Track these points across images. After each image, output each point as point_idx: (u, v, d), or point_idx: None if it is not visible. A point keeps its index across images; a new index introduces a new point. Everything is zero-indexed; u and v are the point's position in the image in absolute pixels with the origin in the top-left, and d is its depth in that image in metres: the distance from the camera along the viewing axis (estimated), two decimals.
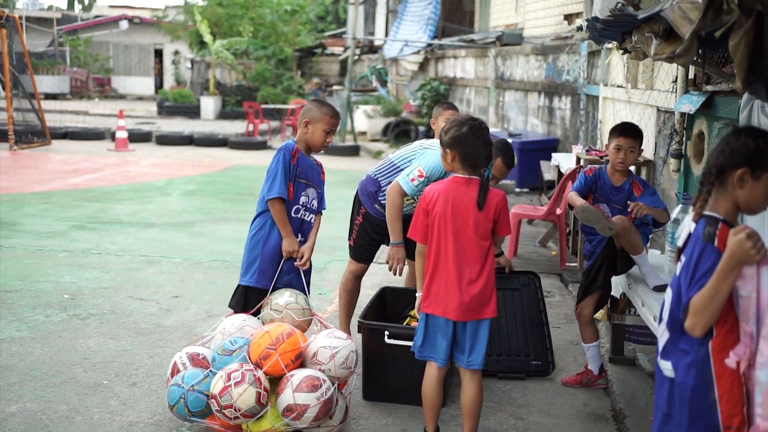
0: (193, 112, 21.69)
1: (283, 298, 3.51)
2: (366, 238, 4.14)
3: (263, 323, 3.47)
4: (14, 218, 7.69)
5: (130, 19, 33.15)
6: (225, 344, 3.35)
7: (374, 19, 25.49)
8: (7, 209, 8.13)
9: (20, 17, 17.77)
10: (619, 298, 4.00)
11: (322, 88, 24.27)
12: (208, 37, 22.42)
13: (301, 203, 3.66)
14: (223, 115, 21.52)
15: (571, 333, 4.73)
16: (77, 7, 50.41)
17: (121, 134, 14.17)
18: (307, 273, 3.73)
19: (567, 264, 6.18)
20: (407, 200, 3.87)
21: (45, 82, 27.75)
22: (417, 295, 3.11)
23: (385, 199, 3.94)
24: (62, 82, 29.38)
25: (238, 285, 3.74)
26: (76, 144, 14.88)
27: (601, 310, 4.16)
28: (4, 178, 10.31)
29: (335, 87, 21.88)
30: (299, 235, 3.67)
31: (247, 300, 3.66)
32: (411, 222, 3.08)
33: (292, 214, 3.63)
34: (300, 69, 27.54)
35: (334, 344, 3.28)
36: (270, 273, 3.61)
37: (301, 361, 3.26)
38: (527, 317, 4.18)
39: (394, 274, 3.89)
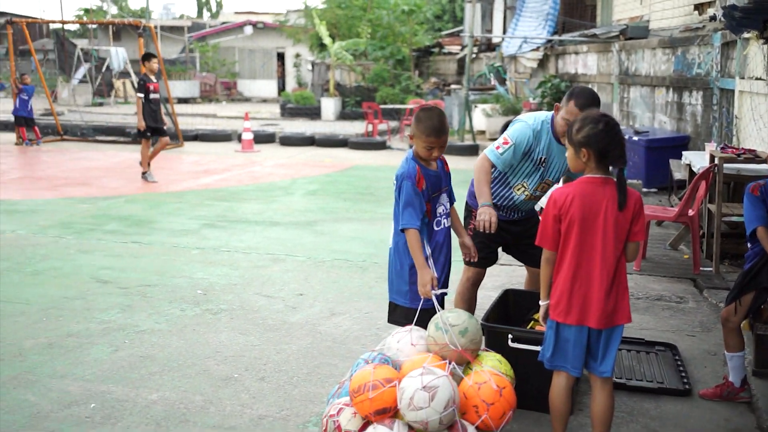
0: (314, 113, 22.25)
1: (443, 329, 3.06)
2: (480, 241, 3.90)
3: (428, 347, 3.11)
4: (152, 216, 8.15)
5: (254, 25, 34.42)
6: (363, 357, 3.20)
7: (492, 16, 25.21)
8: (145, 208, 8.64)
9: (155, 27, 18.82)
10: (762, 306, 3.75)
11: (439, 87, 24.27)
12: (327, 40, 22.93)
13: (439, 213, 3.49)
14: (343, 115, 21.94)
15: (707, 342, 4.49)
16: (206, 14, 52.76)
17: (247, 136, 14.74)
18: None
19: (701, 268, 5.87)
20: (519, 190, 3.85)
21: (177, 87, 29.30)
22: (541, 303, 3.03)
23: (496, 200, 3.89)
24: (193, 86, 30.91)
25: (396, 305, 3.50)
26: (205, 145, 15.61)
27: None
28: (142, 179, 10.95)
29: (453, 86, 21.80)
30: (443, 244, 3.50)
31: (408, 321, 3.40)
32: (539, 228, 3.00)
33: (435, 228, 3.44)
34: (417, 69, 27.65)
35: (432, 383, 2.77)
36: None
37: (389, 413, 2.87)
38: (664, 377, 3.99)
39: (483, 231, 3.59)
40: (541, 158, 3.87)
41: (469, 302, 4.14)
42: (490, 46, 23.58)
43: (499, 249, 4.28)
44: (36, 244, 6.77)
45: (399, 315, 3.46)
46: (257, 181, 10.90)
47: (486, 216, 3.59)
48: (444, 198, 3.50)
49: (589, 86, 14.31)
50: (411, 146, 3.49)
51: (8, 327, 4.65)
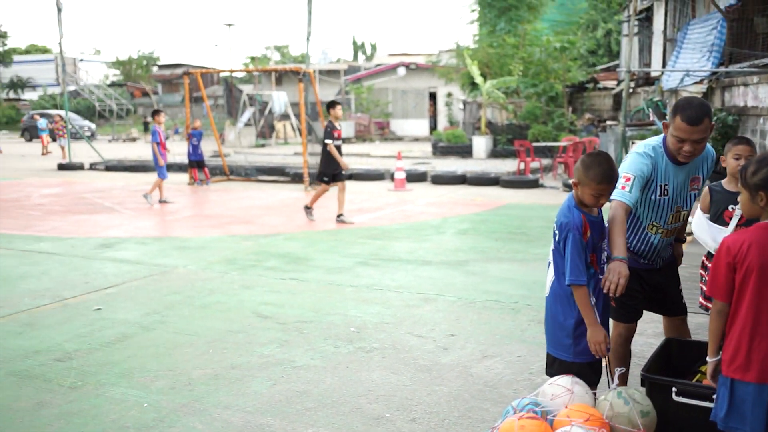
0: (466, 151, 22.36)
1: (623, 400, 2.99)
2: (628, 291, 3.53)
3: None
4: (309, 254, 8.48)
5: (407, 66, 35.30)
6: (513, 404, 3.14)
7: (650, 49, 24.31)
8: (303, 245, 9.01)
9: (314, 71, 19.78)
10: None
11: (594, 123, 23.63)
12: (479, 79, 23.07)
13: (602, 261, 3.39)
14: (494, 153, 21.88)
15: None
16: (360, 57, 54.62)
17: (400, 175, 15.05)
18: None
19: None
20: (653, 229, 3.64)
21: None
22: (710, 360, 2.84)
23: (634, 248, 3.69)
24: (348, 127, 32.07)
25: (555, 358, 3.41)
26: (359, 184, 16.09)
27: None
28: (300, 217, 11.44)
29: (609, 122, 21.15)
30: (606, 295, 3.37)
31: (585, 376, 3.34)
32: (709, 278, 2.82)
33: (600, 276, 3.33)
34: (571, 105, 27.11)
35: None
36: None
37: None
38: None
39: (612, 294, 3.28)
40: (662, 186, 3.63)
41: (623, 359, 3.87)
42: (648, 80, 22.72)
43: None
44: (204, 279, 7.23)
45: (558, 368, 3.36)
46: (409, 219, 11.07)
47: (614, 276, 3.25)
48: (606, 244, 3.39)
49: (761, 120, 13.42)
50: (569, 192, 3.42)
51: (179, 357, 4.98)
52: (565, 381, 3.13)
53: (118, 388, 4.44)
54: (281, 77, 37.08)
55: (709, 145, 3.71)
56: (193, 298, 6.51)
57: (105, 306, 6.26)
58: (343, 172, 10.89)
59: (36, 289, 6.88)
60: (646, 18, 23.03)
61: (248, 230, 10.24)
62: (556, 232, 3.32)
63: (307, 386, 4.45)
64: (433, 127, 34.72)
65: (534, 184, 14.89)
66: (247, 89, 37.47)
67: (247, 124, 31.83)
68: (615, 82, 26.53)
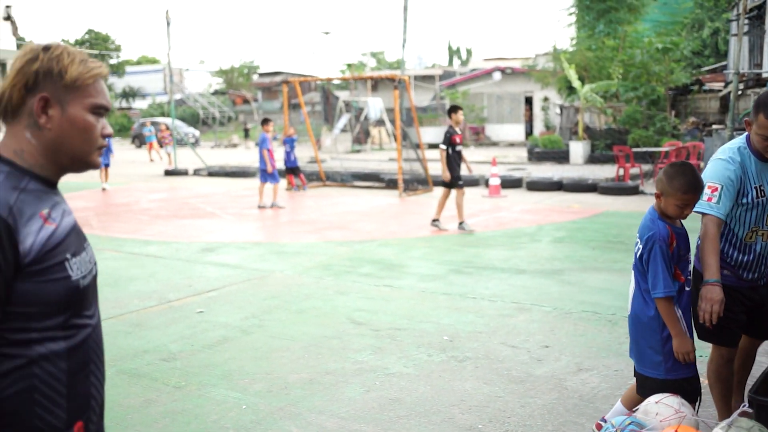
0: (562, 157, 21.94)
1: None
2: (727, 314, 3.35)
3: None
4: (402, 261, 8.55)
5: (503, 70, 34.97)
6: (614, 421, 3.04)
7: (761, 49, 23.13)
8: (396, 252, 9.09)
9: (409, 77, 19.91)
10: None
11: (698, 127, 22.71)
12: (576, 83, 22.59)
13: (689, 271, 3.30)
14: (592, 159, 21.38)
15: None
16: (455, 62, 54.47)
17: (494, 181, 14.93)
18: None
19: None
20: (753, 237, 3.38)
21: (428, 133, 30.55)
22: None
23: (735, 262, 3.45)
24: (442, 132, 32.05)
25: (646, 377, 3.31)
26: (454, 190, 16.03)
27: None
28: (395, 223, 11.54)
29: (714, 126, 20.27)
30: (689, 307, 3.29)
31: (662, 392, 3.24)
32: None
33: (687, 288, 3.25)
34: (674, 108, 26.15)
35: None
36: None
37: None
38: None
39: (708, 324, 3.18)
40: (757, 187, 3.37)
41: (726, 381, 3.59)
42: (759, 82, 21.62)
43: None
44: (300, 284, 7.41)
45: (651, 387, 3.25)
46: (504, 226, 10.96)
47: (708, 305, 3.14)
48: (691, 256, 3.29)
49: None
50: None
51: (276, 361, 5.12)
52: (672, 401, 3.02)
53: (218, 389, 4.61)
54: (377, 83, 37.47)
55: None
56: (289, 303, 6.68)
57: (207, 309, 6.51)
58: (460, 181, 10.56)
59: (144, 291, 7.24)
60: (757, 16, 21.95)
61: (343, 236, 10.42)
62: (640, 246, 3.25)
63: (400, 394, 4.49)
64: (529, 132, 34.23)
65: (633, 191, 14.45)
66: (343, 96, 38.11)
67: (343, 130, 32.35)
68: (722, 84, 25.40)
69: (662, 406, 3.10)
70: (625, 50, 24.15)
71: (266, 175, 13.42)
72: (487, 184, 15.47)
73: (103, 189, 16.95)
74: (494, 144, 33.53)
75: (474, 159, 23.20)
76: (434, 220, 10.70)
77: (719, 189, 3.31)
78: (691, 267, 3.31)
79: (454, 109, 10.49)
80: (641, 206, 12.50)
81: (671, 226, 3.20)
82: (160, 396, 4.52)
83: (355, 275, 7.81)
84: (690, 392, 3.22)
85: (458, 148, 10.44)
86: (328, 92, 35.64)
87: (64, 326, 1.57)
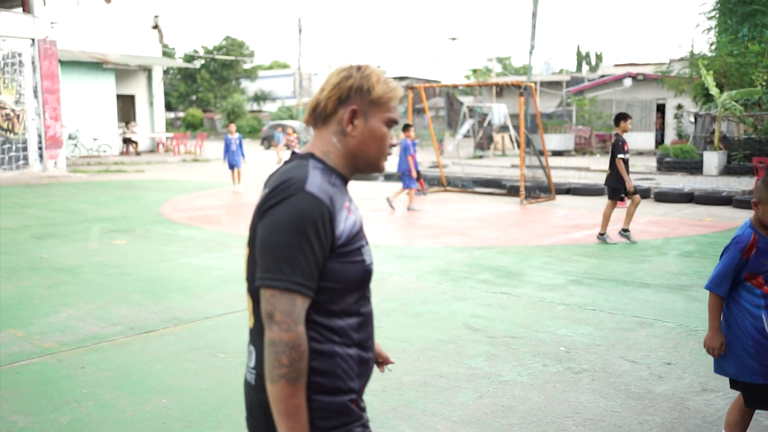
0: (695, 167, 20.95)
1: None
2: None
3: None
4: (521, 269, 8.47)
5: (634, 77, 33.76)
6: None
7: None
8: (515, 260, 9.02)
9: (535, 83, 19.65)
10: None
11: None
12: (714, 90, 21.50)
13: None
14: (728, 170, 20.28)
15: None
16: (584, 67, 53.11)
17: None
18: None
19: None
20: None
21: (553, 140, 30.00)
22: None
23: None
24: (567, 139, 31.36)
25: (738, 383, 3.38)
26: (577, 199, 15.71)
27: None
28: (515, 231, 11.44)
29: None
30: None
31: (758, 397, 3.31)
32: None
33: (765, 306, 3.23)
34: None
35: None
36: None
37: None
38: None
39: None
40: None
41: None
42: None
43: None
44: (418, 288, 7.51)
45: (749, 393, 3.30)
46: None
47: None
48: None
49: None
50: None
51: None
52: None
53: None
54: (501, 89, 37.14)
55: None
56: (407, 306, 6.79)
57: None
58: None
59: None
60: None
61: (462, 242, 10.44)
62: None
63: (513, 402, 4.48)
64: (660, 140, 32.87)
65: None
66: (467, 101, 38.03)
67: (465, 136, 32.30)
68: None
69: None
70: None
71: (410, 179, 13.96)
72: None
73: (235, 191, 17.39)
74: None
75: (600, 168, 22.55)
76: (601, 234, 10.18)
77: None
78: None
79: (623, 116, 10.02)
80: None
81: (760, 236, 3.19)
82: None
83: (473, 281, 7.82)
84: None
85: (626, 156, 10.03)
86: (453, 97, 35.69)
87: (356, 304, 1.84)
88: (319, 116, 1.90)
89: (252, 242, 1.85)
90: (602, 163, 24.81)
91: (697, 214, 13.02)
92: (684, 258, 9.08)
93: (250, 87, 66.65)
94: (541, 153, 16.71)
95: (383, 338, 5.77)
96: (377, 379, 4.86)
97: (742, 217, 12.58)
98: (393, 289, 7.48)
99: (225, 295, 7.17)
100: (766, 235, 3.19)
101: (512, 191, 16.65)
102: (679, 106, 30.71)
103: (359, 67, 1.89)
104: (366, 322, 1.88)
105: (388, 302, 6.92)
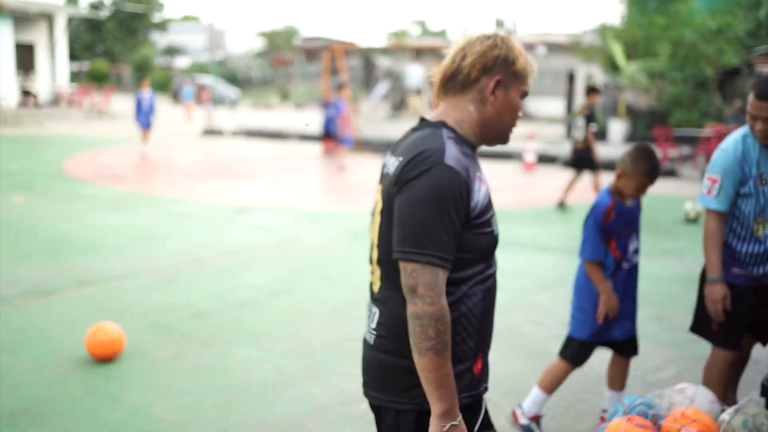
0: (601, 135, 21.66)
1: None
2: (733, 313, 3.28)
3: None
4: None
5: (548, 45, 34.47)
6: (625, 399, 3.15)
7: None
8: None
9: None
10: None
11: (744, 111, 22.22)
12: (621, 61, 22.20)
13: (630, 251, 3.47)
14: (631, 138, 21.07)
15: None
16: None
17: (530, 157, 14.85)
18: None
19: None
20: (761, 230, 3.22)
21: None
22: None
23: (746, 257, 3.30)
24: None
25: (575, 339, 3.60)
26: (488, 164, 16.01)
27: None
28: None
29: None
30: (631, 283, 3.54)
31: (584, 356, 3.61)
32: None
33: (624, 267, 3.46)
34: (722, 91, 25.59)
35: None
36: (604, 325, 3.53)
37: None
38: None
39: (714, 326, 3.30)
40: (760, 175, 3.22)
41: (723, 385, 3.43)
42: None
43: None
44: (331, 251, 7.54)
45: (572, 347, 3.62)
46: (536, 203, 10.95)
47: (711, 306, 3.23)
48: (634, 235, 3.48)
49: None
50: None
51: (302, 324, 5.26)
52: (691, 391, 3.04)
53: (244, 348, 4.77)
54: (419, 52, 37.20)
55: None
56: (319, 268, 6.81)
57: (237, 270, 6.68)
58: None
59: (177, 248, 7.43)
60: None
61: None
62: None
63: None
64: (570, 108, 33.81)
65: (670, 174, 14.28)
66: (384, 63, 37.96)
67: (381, 98, 32.28)
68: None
69: (675, 394, 3.14)
70: (676, 29, 23.61)
71: (343, 139, 14.35)
72: (522, 159, 15.40)
73: (143, 154, 15.89)
74: (532, 118, 33.19)
75: (515, 133, 23.02)
76: (560, 202, 10.44)
77: (719, 180, 3.23)
78: (633, 247, 3.48)
79: (595, 90, 10.62)
80: (677, 189, 12.38)
81: (615, 201, 3.40)
82: (189, 351, 4.69)
83: None
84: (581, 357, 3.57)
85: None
86: (369, 59, 35.52)
87: (483, 272, 1.87)
88: (458, 83, 1.88)
89: (385, 212, 1.85)
90: (516, 128, 25.30)
91: (603, 180, 13.50)
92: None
93: (161, 41, 64.31)
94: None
95: (294, 299, 5.79)
96: (287, 340, 4.89)
97: None
98: (305, 251, 7.48)
99: (132, 256, 7.00)
100: (622, 201, 3.45)
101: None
102: (589, 76, 31.60)
103: (503, 38, 1.88)
104: (490, 289, 1.91)
105: (300, 264, 6.92)
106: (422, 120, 1.91)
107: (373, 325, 1.92)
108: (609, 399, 3.76)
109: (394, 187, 1.81)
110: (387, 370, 1.87)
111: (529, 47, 35.31)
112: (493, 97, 1.86)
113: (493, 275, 1.92)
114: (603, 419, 3.71)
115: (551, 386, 3.63)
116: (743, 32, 25.91)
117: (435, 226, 1.72)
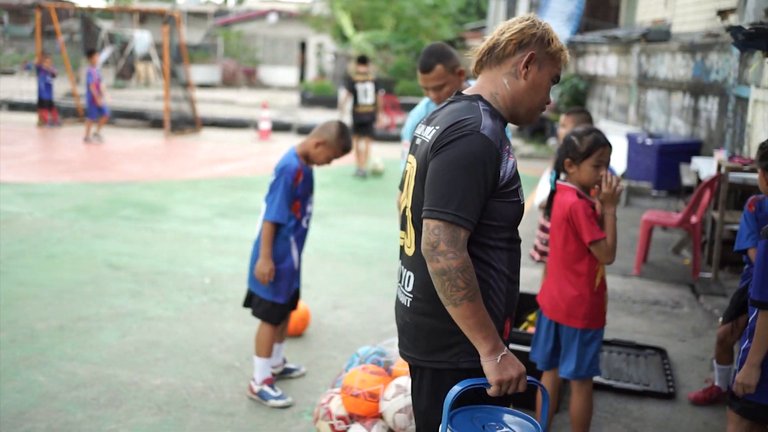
0: (333, 103, 22.36)
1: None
2: None
3: None
4: (166, 203, 8.32)
5: (279, 13, 34.57)
6: (360, 350, 3.49)
7: (515, 13, 25.15)
8: (160, 195, 8.81)
9: (180, 12, 18.99)
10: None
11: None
12: (349, 31, 23.02)
13: (308, 212, 3.76)
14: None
15: (697, 348, 4.58)
16: (231, 1, 52.71)
17: (265, 125, 14.89)
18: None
19: (700, 274, 5.93)
20: None
21: (198, 72, 29.49)
22: None
23: None
24: (214, 72, 31.16)
25: (267, 301, 3.72)
26: (223, 133, 15.79)
27: None
28: (159, 165, 11.14)
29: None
30: (302, 244, 3.77)
31: (281, 315, 3.78)
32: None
33: (303, 225, 3.71)
34: None
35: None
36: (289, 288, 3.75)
37: (368, 419, 3.15)
38: (650, 379, 4.07)
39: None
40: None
41: None
42: None
43: None
44: (52, 228, 6.96)
45: (260, 305, 3.76)
46: (271, 170, 11.02)
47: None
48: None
49: (607, 87, 14.31)
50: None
51: (22, 309, 4.82)
52: None
53: None
54: (145, 16, 35.25)
55: None
56: (38, 248, 6.26)
57: None
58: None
59: None
60: None
61: (103, 177, 9.87)
62: (273, 175, 3.63)
63: (158, 337, 4.46)
64: (302, 77, 34.36)
65: (396, 139, 15.18)
66: (106, 26, 35.41)
67: (105, 64, 30.15)
68: (482, 42, 27.29)
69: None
70: (397, 2, 24.97)
71: (95, 109, 13.26)
72: (257, 127, 15.40)
73: None
74: (267, 87, 33.24)
75: (246, 101, 22.87)
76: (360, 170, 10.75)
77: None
78: (310, 208, 3.75)
79: (365, 60, 11.07)
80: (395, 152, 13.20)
81: (302, 166, 3.62)
82: None
83: (115, 218, 7.48)
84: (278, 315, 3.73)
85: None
86: (89, 21, 32.92)
87: (509, 240, 1.94)
88: (494, 57, 1.97)
89: (419, 176, 1.92)
90: (249, 97, 25.17)
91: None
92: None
93: None
94: (187, 85, 16.38)
95: (11, 283, 5.28)
96: (5, 328, 4.45)
97: (377, 150, 13.84)
98: (22, 230, 6.82)
99: None
100: (307, 166, 3.63)
101: (156, 124, 16.10)
102: (320, 45, 32.34)
103: (541, 21, 1.98)
104: (515, 256, 1.98)
105: (16, 244, 6.30)
106: (458, 93, 2.01)
107: (409, 288, 1.98)
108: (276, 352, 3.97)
109: (430, 153, 1.89)
110: (423, 332, 1.95)
111: (261, 15, 35.17)
112: (525, 70, 1.95)
113: (518, 243, 2.00)
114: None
115: (266, 350, 3.72)
116: (455, 9, 28.20)
117: (463, 189, 1.81)
